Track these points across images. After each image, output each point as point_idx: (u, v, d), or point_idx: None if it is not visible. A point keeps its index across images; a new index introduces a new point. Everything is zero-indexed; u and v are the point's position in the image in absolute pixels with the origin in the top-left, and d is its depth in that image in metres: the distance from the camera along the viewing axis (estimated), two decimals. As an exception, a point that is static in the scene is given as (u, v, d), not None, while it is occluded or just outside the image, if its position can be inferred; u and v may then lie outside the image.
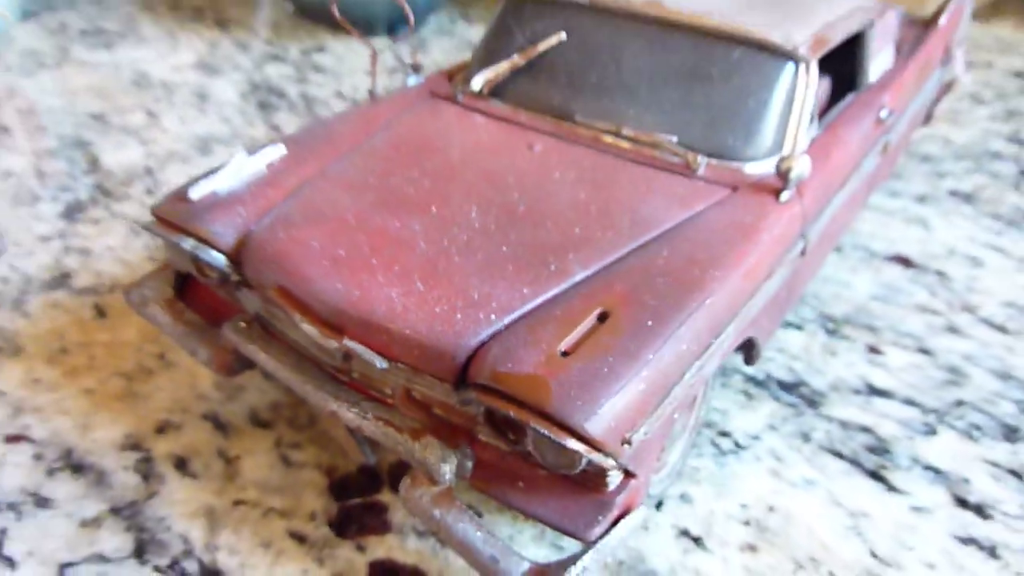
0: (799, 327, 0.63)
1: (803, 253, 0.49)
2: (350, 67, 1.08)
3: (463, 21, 1.28)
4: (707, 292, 0.39)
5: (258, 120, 0.93)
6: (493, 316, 0.37)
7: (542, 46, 0.55)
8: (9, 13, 1.15)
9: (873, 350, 0.61)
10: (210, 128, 0.91)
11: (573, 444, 0.33)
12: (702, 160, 0.48)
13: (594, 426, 0.33)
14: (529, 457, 0.37)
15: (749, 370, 0.58)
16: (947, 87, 0.86)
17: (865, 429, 0.54)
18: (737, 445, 0.53)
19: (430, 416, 0.40)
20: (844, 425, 0.55)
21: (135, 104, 0.96)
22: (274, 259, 0.41)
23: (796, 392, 0.57)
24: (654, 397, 0.35)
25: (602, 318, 0.37)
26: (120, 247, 0.69)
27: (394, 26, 1.18)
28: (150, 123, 0.92)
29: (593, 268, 0.41)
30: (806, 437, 0.53)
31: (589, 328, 0.36)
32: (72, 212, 0.74)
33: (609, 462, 0.34)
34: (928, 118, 0.87)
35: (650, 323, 0.37)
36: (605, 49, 0.53)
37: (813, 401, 0.56)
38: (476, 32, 1.23)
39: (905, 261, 0.72)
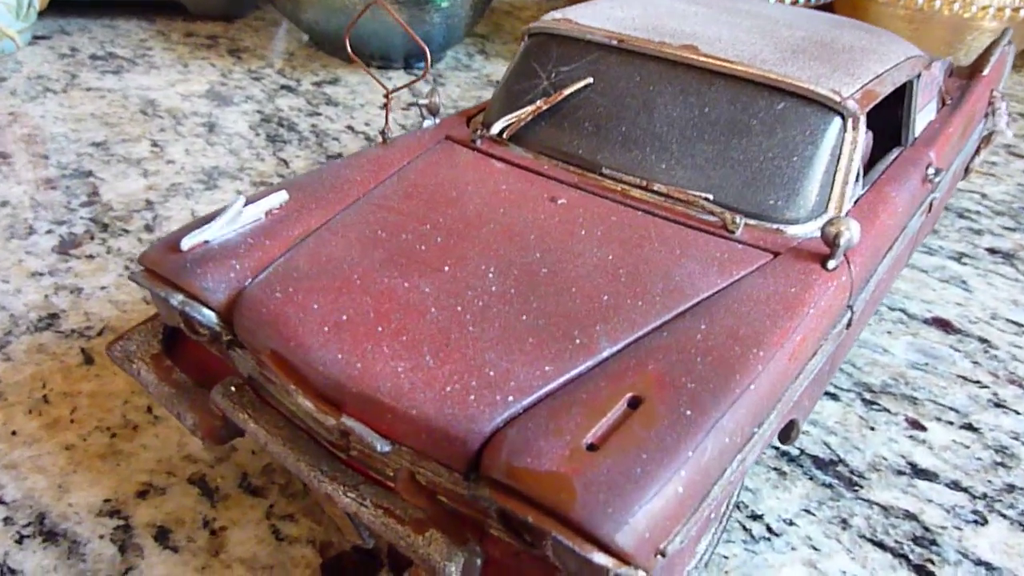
0: (835, 397, 0.59)
1: (849, 325, 0.45)
2: (362, 100, 1.05)
3: (480, 56, 1.26)
4: (751, 375, 0.35)
5: (267, 154, 0.90)
6: (511, 397, 0.33)
7: (567, 90, 0.51)
8: (18, 36, 1.12)
9: (914, 424, 0.57)
10: (217, 161, 0.87)
11: (600, 559, 0.28)
12: (740, 221, 0.44)
13: (625, 538, 0.28)
14: (547, 560, 0.33)
15: (782, 445, 0.54)
16: (987, 140, 0.82)
17: (909, 515, 0.50)
18: (770, 530, 0.48)
19: (435, 504, 0.35)
20: (886, 511, 0.50)
21: (141, 133, 0.93)
22: (269, 321, 0.37)
23: (832, 471, 0.52)
24: (693, 499, 0.31)
25: (633, 404, 0.33)
26: (113, 286, 0.66)
27: (410, 60, 1.16)
28: (155, 154, 0.88)
29: (623, 342, 0.36)
30: (845, 523, 0.49)
31: (619, 416, 0.32)
32: (66, 247, 0.71)
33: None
34: (967, 171, 0.83)
35: (688, 412, 0.32)
36: (635, 95, 0.50)
37: (852, 482, 0.52)
38: (493, 67, 1.21)
39: (945, 325, 0.68)
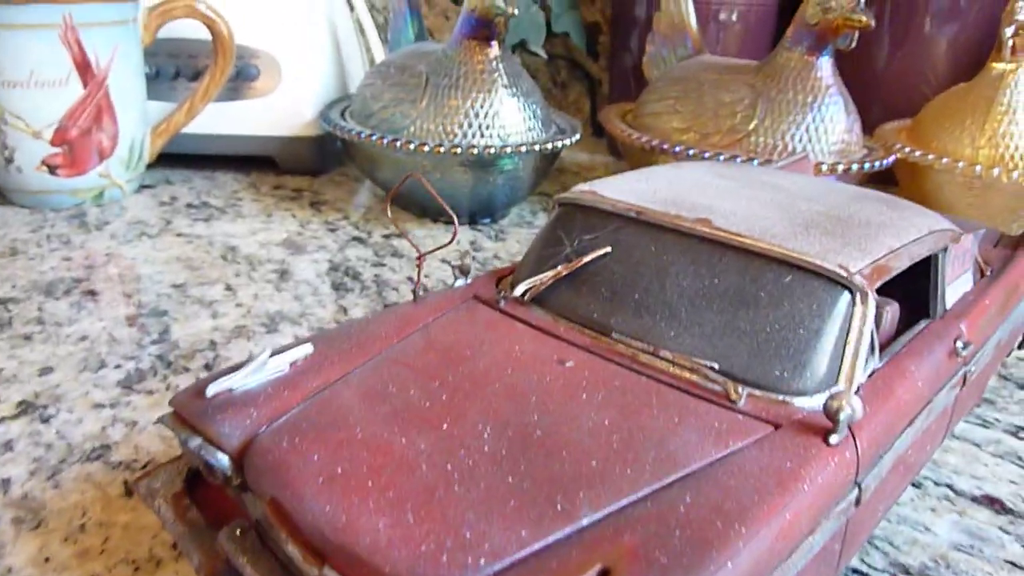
0: (866, 576, 0.56)
1: (858, 503, 0.44)
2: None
3: (543, 213, 1.32)
4: (729, 552, 0.35)
5: (328, 301, 0.95)
6: (482, 560, 0.34)
7: (587, 258, 0.54)
8: (125, 184, 1.25)
9: (954, 614, 0.53)
10: (282, 306, 0.93)
11: None
12: (743, 391, 0.45)
13: None
14: None
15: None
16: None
17: None
18: None
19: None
20: None
21: (218, 277, 1.00)
22: (272, 468, 0.39)
23: (858, 659, 0.49)
24: None
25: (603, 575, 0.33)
26: (165, 422, 0.70)
27: (475, 216, 1.23)
28: (227, 297, 0.95)
29: (604, 510, 0.37)
30: None
31: (586, 586, 0.32)
32: (130, 382, 0.76)
33: None
34: None
35: (656, 587, 0.32)
36: (650, 264, 0.52)
37: (878, 673, 0.49)
38: (555, 223, 1.26)
39: (995, 504, 0.65)
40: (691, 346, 0.48)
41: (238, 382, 0.45)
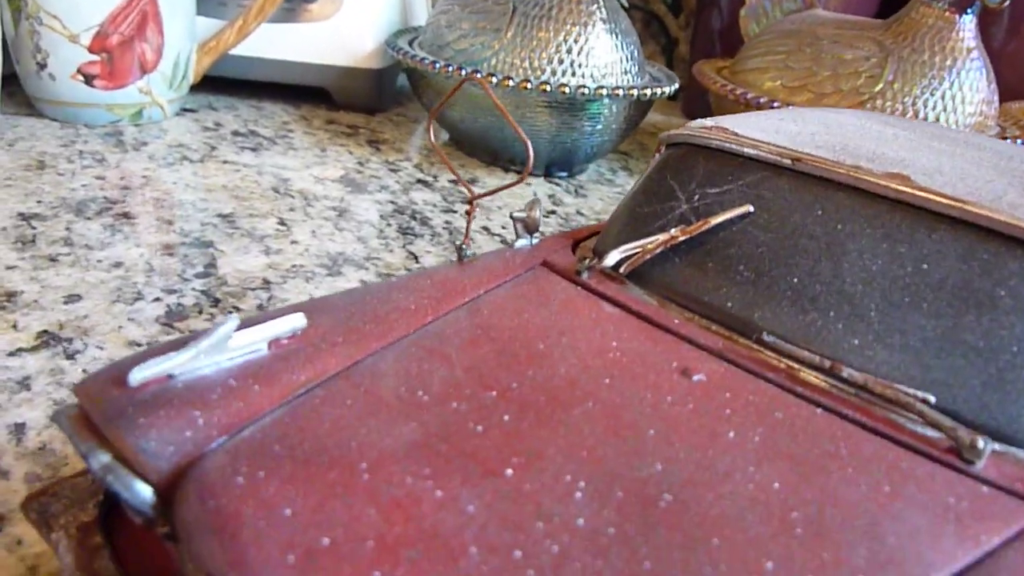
0: None
1: None
2: (500, 203, 0.97)
3: (623, 172, 1.16)
4: None
5: (396, 245, 0.82)
6: None
7: (716, 219, 0.38)
8: (167, 105, 1.12)
9: None
10: (344, 247, 0.80)
11: None
12: (985, 445, 0.28)
13: None
14: None
15: None
16: None
17: None
18: None
19: None
20: None
21: (269, 210, 0.87)
22: (214, 522, 0.25)
23: None
24: None
25: None
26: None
27: (551, 168, 1.07)
28: (280, 232, 0.82)
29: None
30: None
31: None
32: (171, 319, 0.63)
33: None
34: None
35: None
36: (815, 235, 0.36)
37: None
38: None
39: None
40: (888, 364, 0.32)
41: (182, 365, 0.29)
